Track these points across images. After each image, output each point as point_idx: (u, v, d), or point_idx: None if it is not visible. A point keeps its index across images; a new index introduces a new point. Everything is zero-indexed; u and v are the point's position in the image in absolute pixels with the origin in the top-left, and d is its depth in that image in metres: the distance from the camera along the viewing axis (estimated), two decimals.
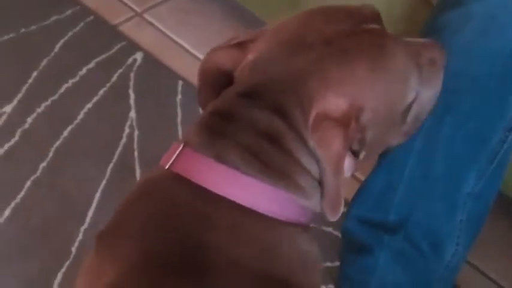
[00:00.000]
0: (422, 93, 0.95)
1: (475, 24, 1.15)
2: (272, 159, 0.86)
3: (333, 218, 0.88)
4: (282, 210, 0.87)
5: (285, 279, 0.84)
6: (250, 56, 0.92)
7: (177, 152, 0.88)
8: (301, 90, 0.86)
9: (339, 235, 1.42)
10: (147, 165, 1.74)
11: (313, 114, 0.85)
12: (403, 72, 0.92)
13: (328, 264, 1.49)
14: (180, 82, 1.96)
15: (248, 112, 0.87)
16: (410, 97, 0.93)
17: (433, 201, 1.26)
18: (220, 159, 0.85)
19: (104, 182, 1.72)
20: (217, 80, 0.95)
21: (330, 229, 1.58)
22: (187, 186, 0.85)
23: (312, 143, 0.85)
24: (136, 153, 1.78)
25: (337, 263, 1.40)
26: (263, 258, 0.84)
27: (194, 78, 1.94)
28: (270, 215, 0.86)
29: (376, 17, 0.95)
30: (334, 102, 0.86)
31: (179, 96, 1.93)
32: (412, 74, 0.93)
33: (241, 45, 0.94)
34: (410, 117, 0.96)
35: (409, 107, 0.94)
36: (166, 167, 0.88)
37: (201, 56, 2.03)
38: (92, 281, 0.84)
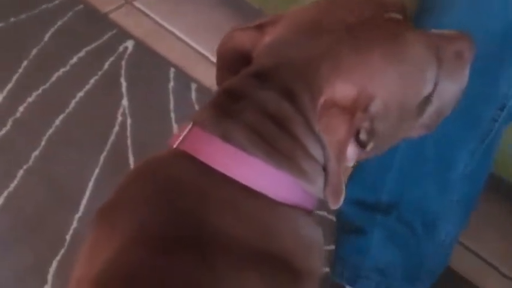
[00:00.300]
0: (444, 86, 0.94)
1: (465, 1, 1.15)
2: (278, 141, 0.86)
3: (335, 205, 0.88)
4: (284, 193, 0.87)
5: (285, 261, 0.85)
6: (267, 38, 0.92)
7: (186, 131, 0.89)
8: (312, 76, 0.87)
9: (333, 219, 1.42)
10: (140, 153, 1.75)
11: (321, 100, 0.86)
12: (419, 64, 0.91)
13: None
14: (172, 69, 1.96)
15: (258, 93, 0.87)
16: (426, 90, 0.92)
17: (425, 182, 1.26)
18: (226, 138, 0.86)
19: (97, 170, 1.72)
20: (235, 61, 0.95)
21: (324, 213, 1.58)
22: (192, 164, 0.86)
23: (318, 129, 0.86)
24: (129, 141, 1.78)
25: (332, 247, 1.41)
26: (263, 238, 0.84)
27: (186, 66, 1.97)
28: (272, 196, 0.86)
29: (399, 6, 0.94)
30: (344, 90, 0.85)
31: (171, 84, 1.92)
32: (429, 66, 0.91)
33: (261, 27, 0.94)
34: (430, 110, 0.94)
35: (426, 100, 0.93)
36: (175, 145, 0.89)
37: (192, 43, 2.04)
38: (91, 256, 0.84)
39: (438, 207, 1.29)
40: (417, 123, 0.95)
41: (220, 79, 0.97)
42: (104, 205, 0.89)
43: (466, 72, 0.97)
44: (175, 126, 1.82)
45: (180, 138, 0.89)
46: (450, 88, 0.95)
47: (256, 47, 0.93)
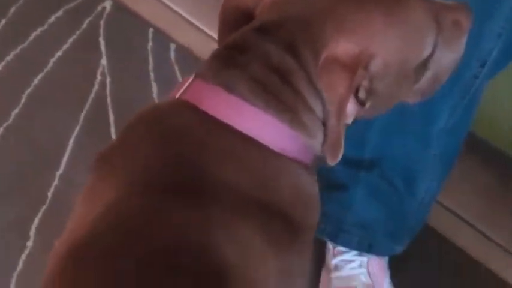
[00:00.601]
0: (442, 53, 0.95)
1: None
2: (280, 93, 0.87)
3: (333, 161, 0.89)
4: (285, 144, 0.88)
5: (282, 212, 0.86)
6: None
7: (188, 82, 0.89)
8: (315, 32, 0.88)
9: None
10: (120, 111, 1.75)
11: (323, 56, 0.87)
12: (419, 27, 0.92)
13: None
14: (151, 29, 1.95)
15: (261, 46, 0.88)
16: (425, 53, 0.93)
17: (407, 137, 1.28)
18: (228, 88, 0.86)
19: (77, 128, 1.72)
20: (237, 20, 0.95)
21: None
22: (194, 113, 0.86)
23: (319, 84, 0.87)
24: (109, 100, 1.78)
25: None
26: (262, 188, 0.85)
27: (165, 26, 1.96)
28: (273, 147, 0.87)
29: None
30: (345, 48, 0.86)
31: (150, 44, 1.92)
32: (429, 30, 0.93)
33: None
34: (427, 76, 0.96)
35: (424, 64, 0.94)
36: (177, 96, 0.89)
37: (171, 4, 2.03)
38: (91, 202, 0.84)
39: (419, 162, 1.31)
40: (414, 88, 0.97)
41: (221, 38, 0.97)
42: (103, 151, 0.89)
43: (463, 41, 0.99)
44: (154, 86, 1.82)
45: (182, 88, 0.89)
46: (447, 56, 0.97)
47: (259, 4, 0.93)
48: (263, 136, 0.86)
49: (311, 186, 0.93)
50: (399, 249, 1.42)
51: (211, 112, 0.86)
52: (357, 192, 1.34)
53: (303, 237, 0.89)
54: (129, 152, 0.86)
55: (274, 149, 0.87)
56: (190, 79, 0.90)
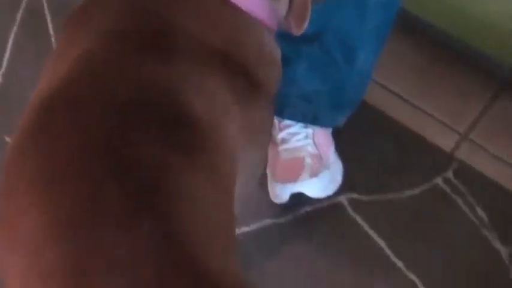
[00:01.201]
0: None
1: None
2: None
3: (298, 30, 0.94)
4: (251, 4, 0.91)
5: (245, 68, 0.89)
6: None
7: None
8: None
9: None
10: (56, 11, 1.76)
11: None
12: None
13: None
14: None
15: None
16: None
17: (345, 10, 1.32)
18: None
19: (15, 28, 1.73)
20: None
21: None
22: None
23: None
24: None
25: None
26: (228, 43, 0.88)
27: None
28: (240, 6, 0.90)
29: None
30: None
31: None
32: None
33: None
34: None
35: None
36: None
37: None
38: (61, 60, 0.85)
39: (356, 35, 1.36)
40: None
41: None
42: (73, 12, 0.90)
43: None
44: None
45: None
46: None
47: None
48: None
49: (274, 47, 0.97)
50: (342, 120, 1.49)
51: None
52: (299, 65, 1.38)
53: (265, 94, 0.93)
54: (98, 9, 0.87)
55: (242, 8, 0.90)
56: None
